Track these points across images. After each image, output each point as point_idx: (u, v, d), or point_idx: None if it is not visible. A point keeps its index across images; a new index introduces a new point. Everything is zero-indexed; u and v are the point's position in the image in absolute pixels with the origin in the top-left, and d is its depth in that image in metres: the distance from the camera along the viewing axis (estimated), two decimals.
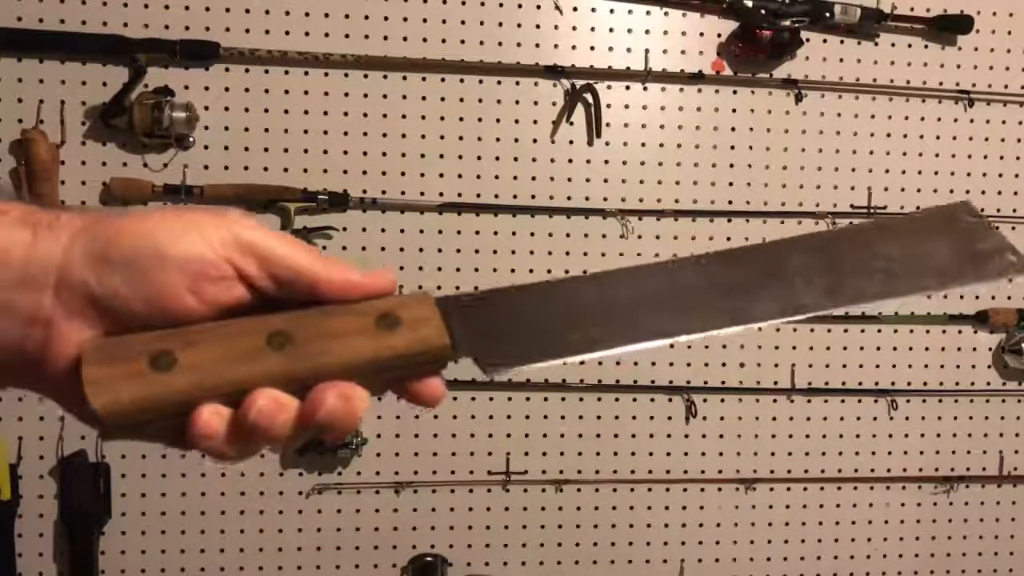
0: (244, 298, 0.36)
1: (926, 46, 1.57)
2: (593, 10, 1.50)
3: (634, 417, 1.57)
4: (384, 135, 1.47)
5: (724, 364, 1.57)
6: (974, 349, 1.62)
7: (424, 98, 1.48)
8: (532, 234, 1.52)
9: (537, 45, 1.49)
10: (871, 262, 0.42)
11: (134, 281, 0.34)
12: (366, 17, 1.45)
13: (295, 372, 0.35)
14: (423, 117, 1.48)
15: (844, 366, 1.59)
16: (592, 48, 1.50)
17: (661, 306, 0.41)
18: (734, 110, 1.54)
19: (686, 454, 1.58)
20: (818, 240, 0.44)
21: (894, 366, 1.60)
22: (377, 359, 0.36)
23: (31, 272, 0.34)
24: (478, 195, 1.50)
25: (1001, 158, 1.60)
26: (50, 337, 0.34)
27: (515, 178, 1.50)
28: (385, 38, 1.46)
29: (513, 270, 1.51)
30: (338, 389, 0.35)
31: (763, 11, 1.48)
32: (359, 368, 0.36)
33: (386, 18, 1.46)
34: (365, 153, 1.47)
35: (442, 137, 1.48)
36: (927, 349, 1.61)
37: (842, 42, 1.55)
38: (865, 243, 0.43)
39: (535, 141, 1.51)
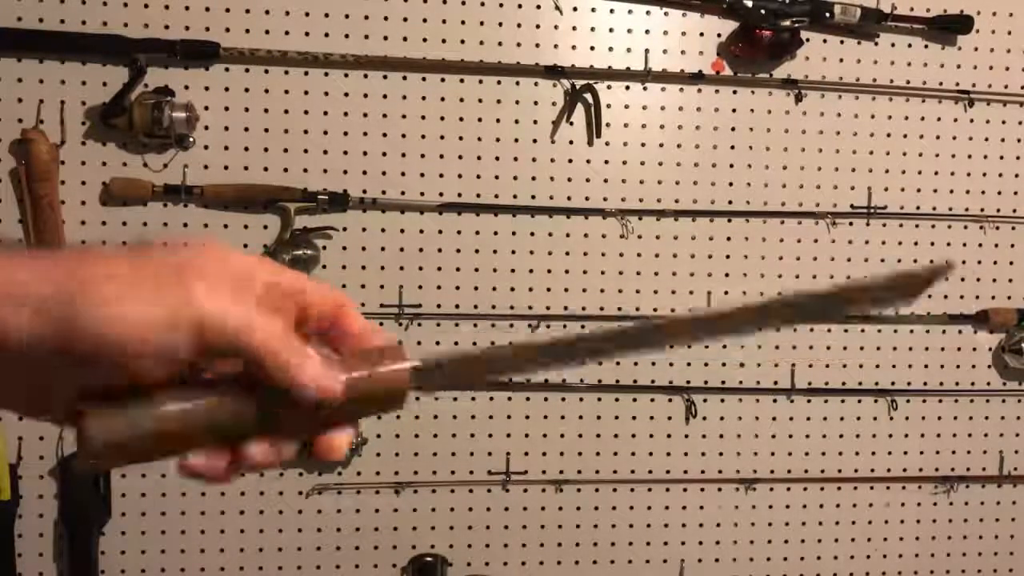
0: (210, 369, 0.39)
1: (926, 46, 1.57)
2: (593, 10, 1.50)
3: (634, 417, 1.57)
4: (384, 135, 1.47)
5: (724, 364, 1.57)
6: (974, 349, 1.62)
7: (424, 98, 1.48)
8: (532, 234, 1.52)
9: (537, 45, 1.49)
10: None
11: (104, 370, 0.35)
12: (366, 17, 1.45)
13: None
14: (423, 117, 1.48)
15: (844, 366, 1.59)
16: (592, 48, 1.50)
17: None
18: (734, 110, 1.54)
19: (686, 454, 1.58)
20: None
21: (894, 366, 1.60)
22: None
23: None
24: (478, 195, 1.50)
25: (1001, 158, 1.60)
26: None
27: (515, 178, 1.50)
28: (385, 38, 1.46)
29: (513, 270, 1.51)
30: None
31: (763, 11, 1.47)
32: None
33: (386, 18, 1.46)
34: (365, 153, 1.47)
35: (442, 137, 1.48)
36: (927, 349, 1.61)
37: (842, 42, 1.55)
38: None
39: (535, 141, 1.51)
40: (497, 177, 1.50)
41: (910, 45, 1.56)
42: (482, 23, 1.47)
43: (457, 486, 1.54)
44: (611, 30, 1.50)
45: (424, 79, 1.47)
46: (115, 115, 1.37)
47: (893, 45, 1.56)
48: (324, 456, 0.41)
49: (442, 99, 1.48)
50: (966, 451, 1.64)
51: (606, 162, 1.52)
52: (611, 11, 1.50)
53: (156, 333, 0.34)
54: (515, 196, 1.50)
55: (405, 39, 1.46)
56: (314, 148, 1.46)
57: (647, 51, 1.50)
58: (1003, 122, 1.60)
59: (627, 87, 1.52)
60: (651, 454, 1.58)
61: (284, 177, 1.45)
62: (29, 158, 1.36)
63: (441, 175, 1.49)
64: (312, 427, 0.40)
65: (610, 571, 1.59)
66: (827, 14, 1.49)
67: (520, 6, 1.48)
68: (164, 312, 0.34)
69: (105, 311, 0.34)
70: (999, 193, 1.61)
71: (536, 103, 1.50)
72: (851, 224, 1.57)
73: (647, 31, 1.51)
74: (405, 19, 1.46)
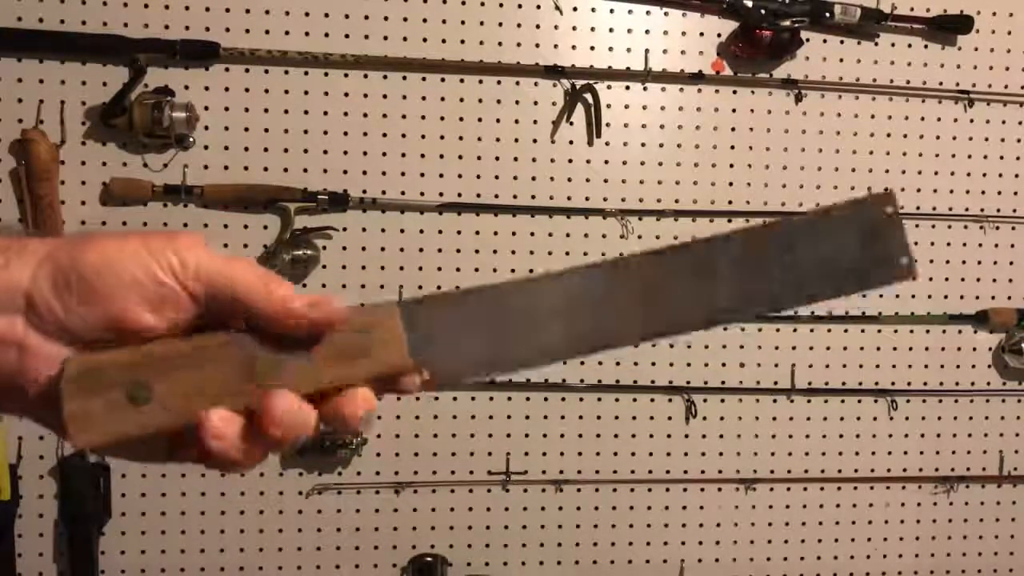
0: (201, 314, 0.38)
1: (926, 46, 1.57)
2: (593, 10, 1.50)
3: (634, 417, 1.57)
4: (384, 135, 1.47)
5: (724, 364, 1.57)
6: (974, 349, 1.62)
7: (424, 98, 1.48)
8: (532, 234, 1.52)
9: (537, 45, 1.49)
10: (788, 268, 0.44)
11: (95, 305, 0.36)
12: (366, 17, 1.45)
13: None
14: (423, 117, 1.48)
15: (844, 366, 1.59)
16: (592, 48, 1.50)
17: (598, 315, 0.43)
18: (734, 110, 1.54)
19: (686, 454, 1.58)
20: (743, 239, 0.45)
21: (894, 366, 1.60)
22: (344, 383, 0.38)
23: (2, 297, 0.35)
24: (478, 195, 1.50)
25: (1001, 158, 1.60)
26: (24, 359, 0.36)
27: (515, 178, 1.50)
28: (385, 38, 1.46)
29: (513, 270, 1.51)
30: (360, 395, 0.39)
31: (763, 11, 1.48)
32: (326, 390, 0.38)
33: (386, 18, 1.46)
34: (365, 153, 1.47)
35: (442, 137, 1.49)
36: (927, 349, 1.61)
37: (842, 42, 1.55)
38: (788, 245, 0.44)
39: (535, 141, 1.51)
40: (497, 177, 1.50)
41: (910, 45, 1.56)
42: (482, 23, 1.47)
43: (457, 486, 1.54)
44: (611, 30, 1.50)
45: (424, 79, 1.47)
46: (115, 115, 1.37)
47: (893, 45, 1.56)
48: (340, 424, 0.38)
49: (442, 99, 1.48)
50: (966, 451, 1.64)
51: (606, 162, 1.52)
52: (611, 11, 1.50)
53: (146, 266, 0.36)
54: (515, 196, 1.50)
55: (405, 39, 1.46)
56: (314, 148, 1.46)
57: (647, 51, 1.50)
58: (1003, 122, 1.60)
59: (627, 87, 1.52)
60: (651, 454, 1.58)
61: (284, 177, 1.45)
62: (29, 158, 1.36)
63: (441, 175, 1.49)
64: (305, 378, 0.38)
65: (610, 571, 1.59)
66: (827, 14, 1.49)
67: (520, 6, 1.48)
68: (153, 246, 0.37)
69: (101, 250, 0.36)
70: (999, 193, 1.61)
71: (536, 103, 1.50)
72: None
73: (647, 31, 1.51)
74: (405, 19, 1.46)
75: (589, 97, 1.49)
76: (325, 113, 1.46)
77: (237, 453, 0.37)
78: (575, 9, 1.49)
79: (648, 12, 1.51)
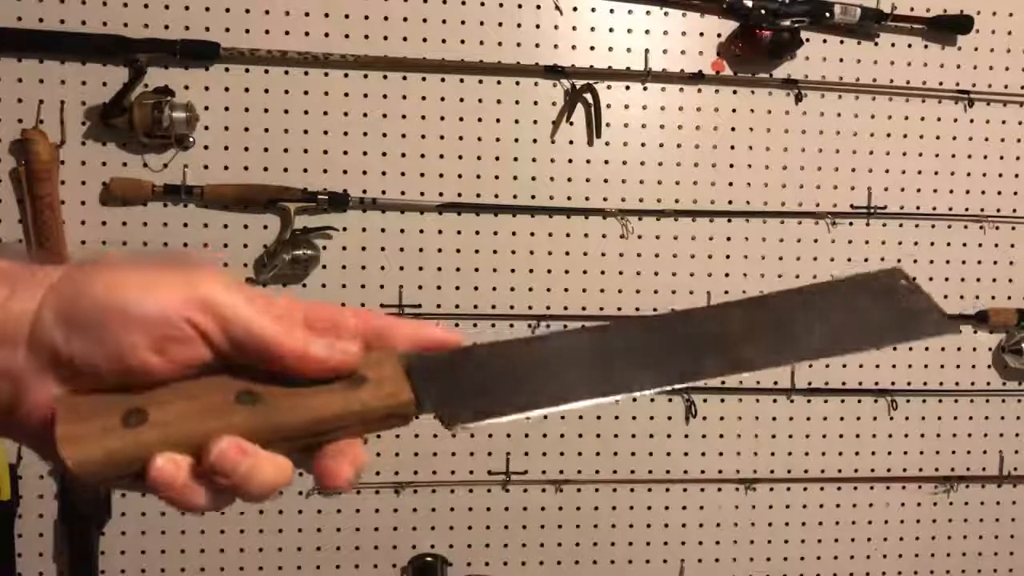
0: (208, 358, 0.36)
1: (926, 46, 1.57)
2: (593, 10, 1.50)
3: (634, 417, 1.57)
4: (384, 135, 1.47)
5: None
6: (974, 349, 1.62)
7: (424, 98, 1.48)
8: (532, 234, 1.52)
9: (537, 45, 1.49)
10: (813, 324, 0.44)
11: (98, 340, 0.34)
12: (366, 17, 1.45)
13: (262, 426, 0.36)
14: (423, 117, 1.48)
15: (844, 366, 1.59)
16: (592, 48, 1.50)
17: (621, 364, 0.44)
18: (734, 110, 1.54)
19: (686, 454, 1.58)
20: (759, 302, 0.45)
21: (894, 366, 1.60)
22: (343, 415, 0.38)
23: (6, 328, 0.34)
24: (478, 195, 1.50)
25: (1001, 158, 1.60)
26: (21, 392, 0.35)
27: (515, 178, 1.50)
28: (385, 38, 1.46)
29: (513, 270, 1.51)
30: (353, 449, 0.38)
31: (763, 11, 1.47)
32: (325, 424, 0.37)
33: (386, 18, 1.46)
34: (365, 153, 1.47)
35: (442, 137, 1.49)
36: (927, 349, 1.61)
37: (842, 42, 1.55)
38: (806, 305, 0.45)
39: (535, 141, 1.51)
40: (497, 177, 1.50)
41: (910, 45, 1.56)
42: (482, 23, 1.47)
43: (457, 486, 1.54)
44: (611, 30, 1.50)
45: (424, 79, 1.47)
46: (115, 115, 1.37)
47: (893, 45, 1.56)
48: (328, 482, 0.38)
49: (442, 99, 1.48)
50: (966, 451, 1.64)
51: (606, 162, 1.52)
52: (611, 11, 1.50)
53: (155, 302, 0.34)
54: (515, 196, 1.50)
55: (405, 39, 1.46)
56: (314, 148, 1.46)
57: (647, 51, 1.50)
58: (1003, 122, 1.60)
59: (627, 87, 1.52)
60: (651, 454, 1.58)
61: (284, 177, 1.45)
62: (29, 158, 1.36)
63: (441, 175, 1.49)
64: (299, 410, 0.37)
65: (610, 571, 1.59)
66: (827, 14, 1.49)
67: (520, 6, 1.48)
68: (166, 281, 0.35)
69: (108, 281, 0.35)
70: (999, 193, 1.61)
71: (536, 103, 1.50)
72: (851, 224, 1.57)
73: (647, 31, 1.51)
74: (405, 19, 1.46)
75: (589, 97, 1.49)
76: (325, 113, 1.46)
77: (192, 496, 0.35)
78: (575, 9, 1.49)
79: (648, 12, 1.51)
